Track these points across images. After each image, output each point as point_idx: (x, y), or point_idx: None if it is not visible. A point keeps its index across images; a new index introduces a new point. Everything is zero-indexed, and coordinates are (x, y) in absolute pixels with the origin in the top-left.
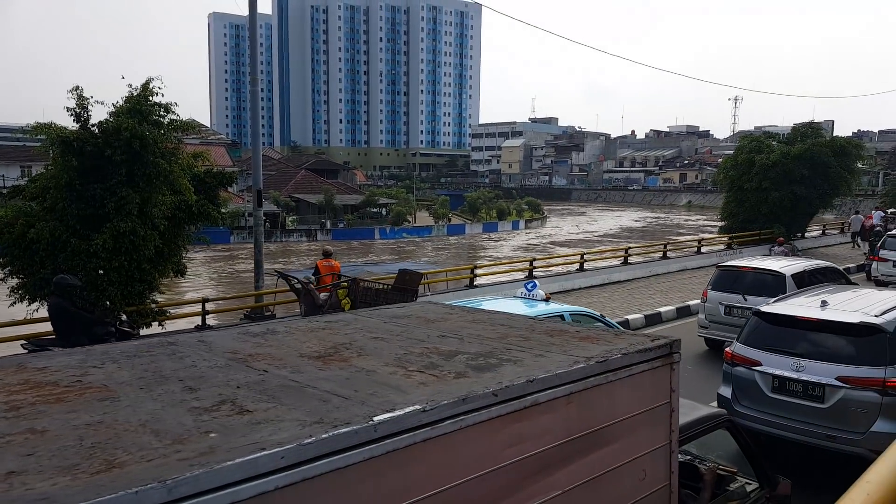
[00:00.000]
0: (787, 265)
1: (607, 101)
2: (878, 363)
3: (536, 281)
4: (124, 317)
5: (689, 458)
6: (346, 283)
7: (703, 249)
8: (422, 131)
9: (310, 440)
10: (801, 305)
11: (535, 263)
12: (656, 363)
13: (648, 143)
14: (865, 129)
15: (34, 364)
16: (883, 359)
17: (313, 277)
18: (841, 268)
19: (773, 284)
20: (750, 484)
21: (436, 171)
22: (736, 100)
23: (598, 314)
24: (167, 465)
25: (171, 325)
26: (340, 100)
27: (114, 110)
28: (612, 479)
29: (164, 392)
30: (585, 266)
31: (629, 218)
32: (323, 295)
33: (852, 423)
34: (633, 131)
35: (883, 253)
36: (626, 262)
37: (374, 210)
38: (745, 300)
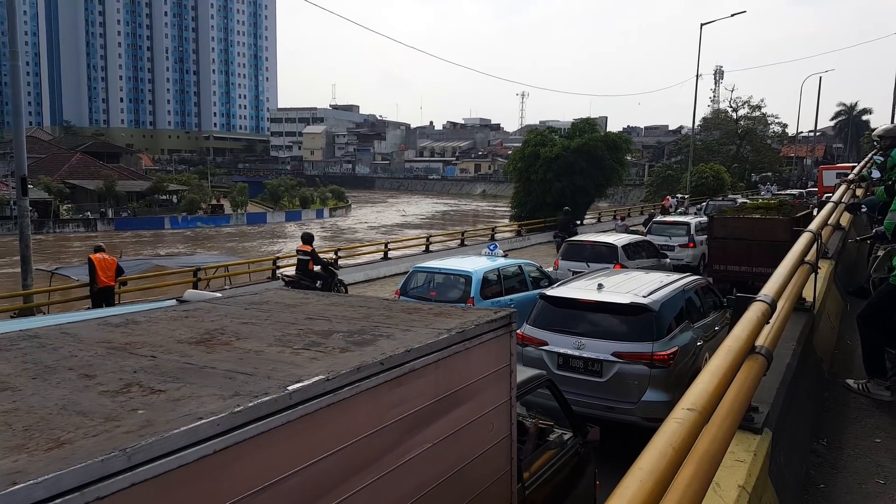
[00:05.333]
0: (617, 239)
1: (407, 90)
2: (646, 339)
3: (497, 243)
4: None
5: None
6: None
7: (497, 237)
8: (215, 113)
9: (239, 409)
10: (581, 289)
11: (339, 253)
12: (500, 332)
13: (446, 134)
14: (634, 125)
15: None
16: (651, 335)
17: None
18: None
19: (608, 254)
20: (566, 434)
21: (232, 157)
22: (523, 95)
23: (538, 265)
24: (114, 438)
25: None
26: (121, 76)
27: None
28: (469, 431)
29: (62, 380)
30: (390, 255)
31: (432, 206)
32: None
33: (626, 394)
34: (431, 122)
35: (649, 237)
36: (427, 251)
37: (164, 198)
38: (589, 266)
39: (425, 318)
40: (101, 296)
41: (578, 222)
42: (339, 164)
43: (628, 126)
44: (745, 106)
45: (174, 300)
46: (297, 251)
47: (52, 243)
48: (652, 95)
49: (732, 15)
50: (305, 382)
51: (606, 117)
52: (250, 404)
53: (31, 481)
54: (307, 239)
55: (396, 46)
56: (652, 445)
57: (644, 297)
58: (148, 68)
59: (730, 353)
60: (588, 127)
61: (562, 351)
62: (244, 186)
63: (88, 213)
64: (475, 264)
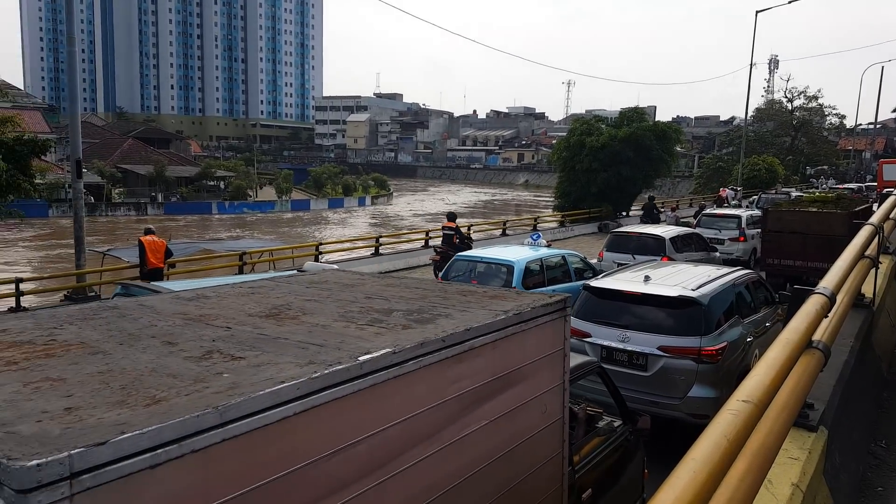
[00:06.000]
0: (664, 231)
1: (450, 78)
2: (694, 333)
3: (540, 233)
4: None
5: None
6: None
7: (539, 227)
8: (262, 101)
9: (316, 375)
10: (627, 280)
11: (381, 240)
12: (555, 316)
13: (489, 123)
14: (683, 115)
15: None
16: (699, 329)
17: None
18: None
19: (655, 246)
20: (615, 421)
21: (278, 144)
22: (569, 84)
23: (582, 255)
24: (205, 398)
25: None
26: (171, 64)
27: None
28: (524, 411)
29: (148, 346)
30: (430, 243)
31: (474, 195)
32: None
33: (672, 390)
34: (474, 111)
35: (698, 230)
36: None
37: (212, 183)
38: (634, 259)
39: (480, 300)
40: (151, 277)
41: (624, 213)
42: (382, 153)
43: (678, 116)
44: (801, 96)
45: (295, 270)
46: (443, 227)
47: (104, 226)
48: (703, 85)
49: (790, 2)
50: (374, 354)
51: (655, 107)
52: (326, 371)
53: (137, 431)
54: (451, 217)
55: (441, 34)
56: (706, 436)
57: (693, 290)
58: (198, 56)
59: (787, 345)
60: (636, 116)
61: (605, 343)
62: (289, 173)
63: (149, 197)
64: (517, 254)
